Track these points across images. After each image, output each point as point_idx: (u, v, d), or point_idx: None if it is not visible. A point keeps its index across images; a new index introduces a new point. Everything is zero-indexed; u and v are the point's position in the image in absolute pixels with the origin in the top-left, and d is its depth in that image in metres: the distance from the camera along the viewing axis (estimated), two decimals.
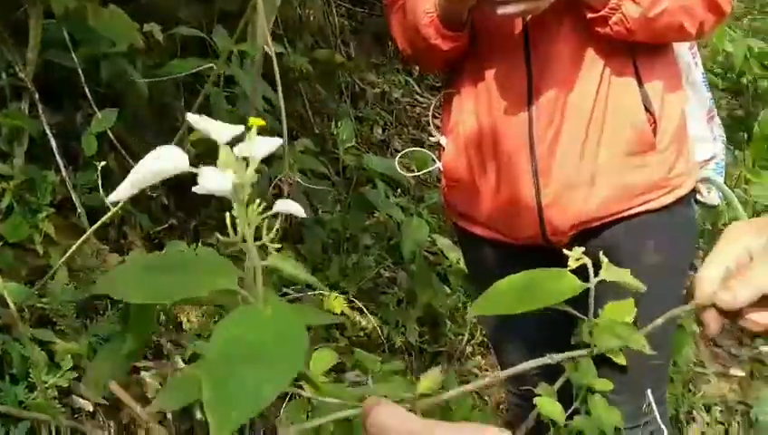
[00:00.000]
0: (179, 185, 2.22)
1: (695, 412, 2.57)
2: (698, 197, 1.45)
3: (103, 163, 1.23)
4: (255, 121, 0.50)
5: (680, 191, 1.35)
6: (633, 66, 1.29)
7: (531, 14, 1.19)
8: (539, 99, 1.28)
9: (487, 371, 2.45)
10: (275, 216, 0.52)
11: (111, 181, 1.64)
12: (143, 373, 1.68)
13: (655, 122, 1.30)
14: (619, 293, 1.26)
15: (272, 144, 0.51)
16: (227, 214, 0.50)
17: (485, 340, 2.54)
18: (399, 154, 1.65)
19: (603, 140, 1.29)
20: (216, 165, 0.48)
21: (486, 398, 2.27)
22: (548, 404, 1.04)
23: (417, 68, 3.71)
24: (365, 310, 2.15)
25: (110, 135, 1.78)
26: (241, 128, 0.49)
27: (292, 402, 1.50)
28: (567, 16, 1.26)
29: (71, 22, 1.76)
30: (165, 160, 0.47)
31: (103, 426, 1.50)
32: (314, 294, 2.11)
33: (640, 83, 1.29)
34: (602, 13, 1.21)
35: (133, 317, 0.72)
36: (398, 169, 1.64)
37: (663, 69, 1.32)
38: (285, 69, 2.53)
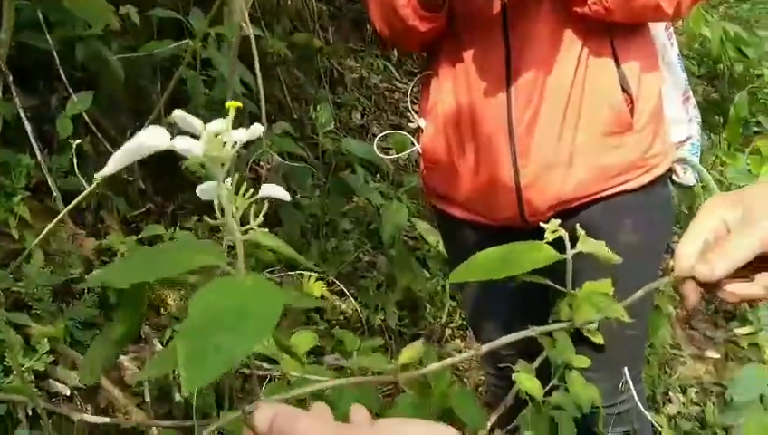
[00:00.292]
0: (157, 169, 2.21)
1: (671, 393, 2.60)
2: (674, 177, 1.47)
3: (78, 142, 1.21)
4: (232, 104, 0.50)
5: (657, 171, 1.36)
6: (611, 47, 1.29)
7: None
8: (517, 80, 1.28)
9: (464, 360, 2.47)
10: (256, 200, 0.53)
11: (87, 164, 1.63)
12: (121, 357, 1.67)
13: (632, 103, 1.30)
14: (595, 272, 1.28)
15: (252, 132, 0.51)
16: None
17: (464, 323, 2.55)
18: (378, 137, 1.64)
19: (581, 121, 1.29)
20: None
21: (465, 380, 2.29)
22: (526, 380, 1.05)
23: (396, 53, 3.70)
24: (346, 292, 2.15)
25: (86, 118, 1.75)
26: (222, 122, 0.49)
27: (272, 383, 1.51)
28: None
29: (45, 3, 1.74)
30: (148, 137, 0.47)
31: (81, 410, 1.49)
32: (294, 278, 2.11)
33: (618, 64, 1.29)
34: None
35: (123, 302, 0.72)
36: (377, 153, 1.64)
37: (640, 49, 1.32)
38: (263, 53, 2.52)
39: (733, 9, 5.09)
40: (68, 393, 1.50)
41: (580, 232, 0.68)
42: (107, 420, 1.37)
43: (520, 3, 1.23)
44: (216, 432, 0.70)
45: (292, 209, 2.33)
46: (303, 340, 1.20)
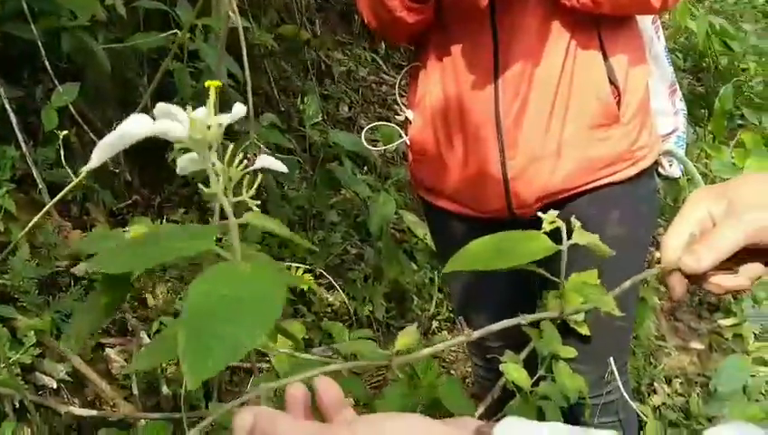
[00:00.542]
0: (143, 161, 2.20)
1: (656, 384, 2.62)
2: (660, 169, 1.48)
3: (65, 133, 1.20)
4: (212, 83, 0.50)
5: (643, 164, 1.37)
6: (598, 40, 1.30)
7: None
8: (505, 72, 1.29)
9: (454, 346, 2.48)
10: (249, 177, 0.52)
11: (73, 156, 1.62)
12: (108, 350, 1.67)
13: (619, 95, 1.31)
14: (582, 264, 1.29)
15: (236, 112, 0.51)
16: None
17: (451, 315, 2.56)
18: (366, 128, 1.64)
19: (569, 114, 1.30)
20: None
21: (452, 372, 2.30)
22: (514, 371, 1.06)
23: (384, 46, 3.69)
24: (335, 284, 2.15)
25: (72, 110, 1.74)
26: (203, 110, 0.49)
27: (261, 375, 1.51)
28: None
29: None
30: (132, 124, 0.47)
31: (68, 402, 1.49)
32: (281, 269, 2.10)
33: (605, 57, 1.30)
34: None
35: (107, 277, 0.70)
36: (365, 145, 1.64)
37: (627, 42, 1.33)
38: (250, 45, 2.51)
39: (717, 3, 5.12)
40: (55, 386, 1.50)
41: (575, 223, 0.68)
42: (94, 412, 1.37)
43: None
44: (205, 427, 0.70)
45: (279, 201, 2.33)
46: (291, 331, 1.20)
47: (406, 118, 1.48)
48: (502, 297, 1.53)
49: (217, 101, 0.50)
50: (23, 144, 1.73)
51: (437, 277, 2.57)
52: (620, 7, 1.24)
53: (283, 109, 2.81)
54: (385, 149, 1.73)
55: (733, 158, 2.16)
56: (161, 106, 0.47)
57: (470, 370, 2.16)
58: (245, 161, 0.56)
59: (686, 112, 1.51)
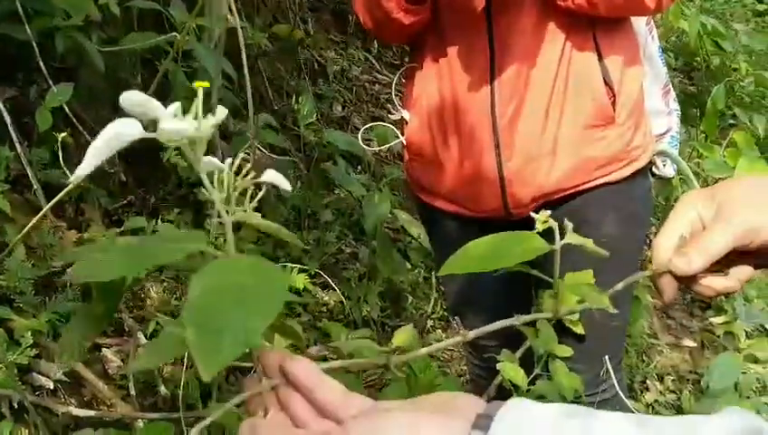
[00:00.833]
0: (138, 161, 2.20)
1: (648, 382, 2.64)
2: (654, 169, 1.49)
3: (63, 135, 1.20)
4: (201, 84, 0.50)
5: (638, 164, 1.38)
6: (593, 41, 1.31)
7: None
8: (501, 73, 1.29)
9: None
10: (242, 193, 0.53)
11: (67, 156, 1.62)
12: (104, 350, 1.67)
13: (614, 96, 1.32)
14: (577, 264, 1.30)
15: (219, 115, 0.52)
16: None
17: (445, 314, 2.57)
18: (362, 129, 1.65)
19: (564, 114, 1.31)
20: None
21: (447, 370, 2.31)
22: (511, 369, 1.07)
23: (377, 45, 3.70)
24: (331, 284, 2.16)
25: (66, 110, 1.74)
26: (174, 106, 0.49)
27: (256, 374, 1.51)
28: None
29: None
30: (121, 127, 0.47)
31: (65, 403, 1.49)
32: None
33: (600, 58, 1.31)
34: None
35: (100, 286, 0.70)
36: (361, 144, 1.64)
37: (622, 44, 1.34)
38: (243, 45, 2.50)
39: (708, 2, 5.15)
40: (52, 387, 1.50)
41: (568, 225, 0.69)
42: (91, 413, 1.37)
43: None
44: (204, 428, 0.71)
45: (274, 201, 2.33)
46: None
47: (402, 118, 1.48)
48: (497, 296, 1.54)
49: (216, 101, 0.51)
50: (17, 144, 1.73)
51: (432, 276, 2.58)
52: (615, 8, 1.25)
53: (277, 108, 2.81)
54: (380, 149, 1.74)
55: (725, 157, 2.18)
56: (128, 95, 0.47)
57: (465, 368, 2.17)
58: (248, 164, 0.56)
59: (679, 112, 1.53)
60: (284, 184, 0.52)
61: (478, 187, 1.36)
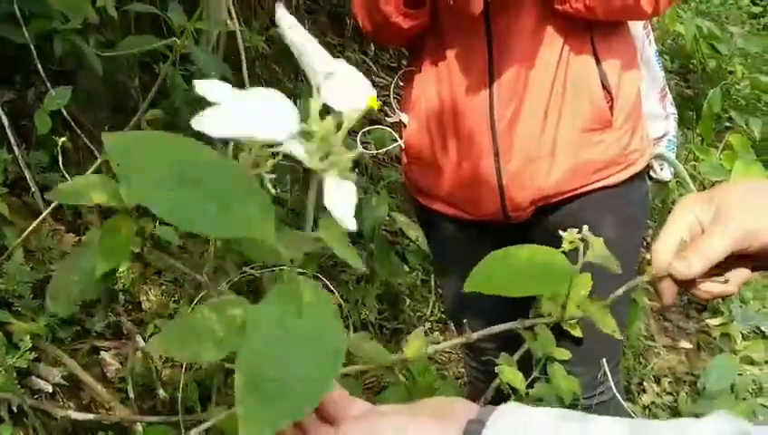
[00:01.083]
0: None
1: (645, 384, 2.65)
2: (651, 173, 1.50)
3: (62, 140, 1.20)
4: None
5: (635, 168, 1.38)
6: (591, 45, 1.31)
7: None
8: (499, 77, 1.30)
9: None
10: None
11: (66, 160, 1.62)
12: (103, 353, 1.67)
13: (612, 100, 1.33)
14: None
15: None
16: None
17: (443, 317, 2.57)
18: (360, 133, 1.65)
19: (562, 118, 1.32)
20: None
21: (445, 373, 2.31)
22: (509, 373, 1.07)
23: (373, 47, 3.70)
24: (330, 287, 2.16)
25: (64, 113, 1.74)
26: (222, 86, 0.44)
27: None
28: None
29: None
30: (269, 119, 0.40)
31: (64, 406, 1.49)
32: (274, 272, 2.11)
33: (598, 62, 1.31)
34: None
35: (105, 232, 0.66)
36: (360, 148, 1.64)
37: (620, 47, 1.35)
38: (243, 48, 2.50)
39: (704, 4, 5.17)
40: (50, 390, 1.50)
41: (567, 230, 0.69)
42: (90, 416, 1.37)
43: (503, 1, 1.24)
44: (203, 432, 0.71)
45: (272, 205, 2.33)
46: None
47: (400, 121, 1.49)
48: (495, 298, 1.54)
49: None
50: (15, 147, 1.73)
51: (430, 279, 2.58)
52: (613, 13, 1.26)
53: None
54: (377, 152, 1.74)
55: (721, 160, 2.19)
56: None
57: (463, 371, 2.18)
58: None
59: (676, 116, 1.54)
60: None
61: (477, 190, 1.37)
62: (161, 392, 1.61)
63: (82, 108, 1.98)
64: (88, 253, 0.65)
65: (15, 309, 1.52)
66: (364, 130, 1.76)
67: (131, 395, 1.51)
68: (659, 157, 1.48)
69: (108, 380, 1.62)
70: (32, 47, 1.74)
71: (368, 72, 3.61)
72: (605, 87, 1.32)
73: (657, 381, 2.69)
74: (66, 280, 0.66)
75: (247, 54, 2.70)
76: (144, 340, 1.68)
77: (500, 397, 1.39)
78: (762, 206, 0.67)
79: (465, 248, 1.46)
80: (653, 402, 2.58)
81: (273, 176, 0.50)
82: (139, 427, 1.36)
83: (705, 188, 2.77)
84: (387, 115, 1.55)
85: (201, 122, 0.38)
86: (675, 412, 2.54)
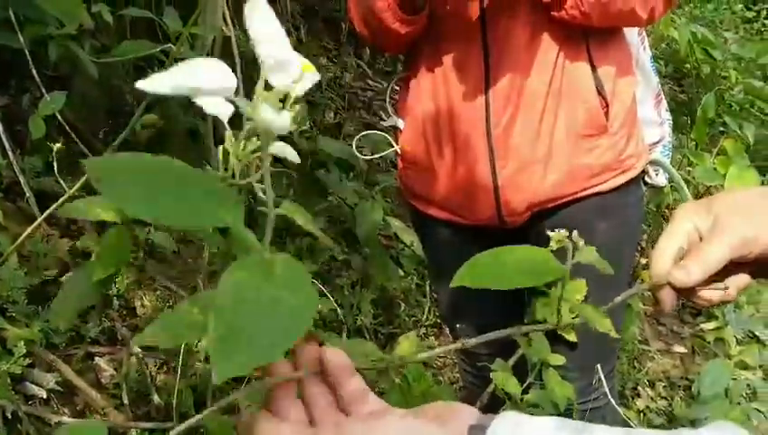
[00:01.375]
0: None
1: (639, 388, 2.65)
2: (647, 178, 1.50)
3: (57, 146, 1.20)
4: None
5: (631, 173, 1.39)
6: (586, 51, 1.32)
7: None
8: (495, 82, 1.30)
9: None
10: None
11: (60, 165, 1.62)
12: (97, 359, 1.66)
13: (607, 106, 1.33)
14: (571, 272, 1.30)
15: (311, 78, 0.49)
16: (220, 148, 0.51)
17: (438, 321, 2.58)
18: (357, 138, 1.65)
19: (558, 123, 1.32)
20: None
21: (440, 378, 2.31)
22: (504, 378, 1.07)
23: (369, 52, 3.71)
24: (325, 292, 2.16)
25: (59, 118, 1.74)
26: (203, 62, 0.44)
27: (251, 383, 1.51)
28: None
29: (16, 0, 1.71)
30: (207, 74, 0.42)
31: (58, 412, 1.49)
32: None
33: (593, 68, 1.32)
34: None
35: (108, 239, 0.68)
36: (355, 153, 1.65)
37: (615, 54, 1.35)
38: (237, 52, 2.50)
39: (698, 9, 5.19)
40: (45, 396, 1.49)
41: (564, 233, 0.69)
42: (85, 422, 1.36)
43: (499, 7, 1.24)
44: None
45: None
46: None
47: (395, 125, 1.49)
48: (489, 303, 1.55)
49: None
50: (9, 153, 1.72)
51: (425, 284, 2.59)
52: (608, 19, 1.26)
53: None
54: (372, 157, 1.74)
55: (715, 165, 2.20)
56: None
57: (458, 375, 2.18)
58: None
59: (671, 122, 1.54)
60: (294, 157, 0.52)
61: (472, 195, 1.37)
62: (156, 398, 1.60)
63: (77, 113, 1.98)
64: (88, 265, 0.65)
65: (10, 315, 1.52)
66: (361, 135, 1.76)
67: (126, 401, 1.51)
68: (654, 162, 1.48)
69: (102, 385, 1.61)
70: (27, 52, 1.73)
71: (363, 77, 3.62)
72: (600, 93, 1.32)
73: (652, 385, 2.70)
74: (71, 295, 0.66)
75: (242, 59, 2.71)
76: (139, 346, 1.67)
77: (495, 402, 1.39)
78: (760, 213, 0.67)
79: (460, 253, 1.45)
80: (647, 407, 2.58)
81: (263, 187, 0.50)
82: (134, 433, 1.36)
83: (699, 193, 2.79)
84: (382, 120, 1.55)
85: (146, 83, 0.40)
86: (669, 417, 2.54)
